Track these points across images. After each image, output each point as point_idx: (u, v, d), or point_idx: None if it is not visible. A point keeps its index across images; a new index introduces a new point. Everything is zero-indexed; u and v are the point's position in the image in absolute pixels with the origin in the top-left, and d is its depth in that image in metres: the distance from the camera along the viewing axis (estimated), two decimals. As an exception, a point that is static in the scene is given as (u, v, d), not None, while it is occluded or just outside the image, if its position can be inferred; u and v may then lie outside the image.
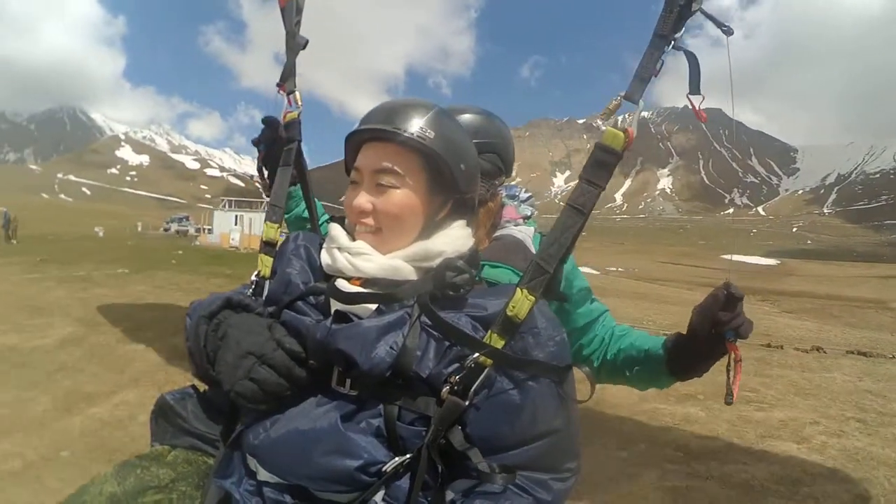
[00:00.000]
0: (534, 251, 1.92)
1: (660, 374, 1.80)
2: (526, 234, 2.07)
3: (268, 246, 1.55)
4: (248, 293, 1.44)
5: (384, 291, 1.22)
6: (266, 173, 2.11)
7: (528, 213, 2.23)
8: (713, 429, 5.49)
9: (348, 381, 1.17)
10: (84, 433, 5.02)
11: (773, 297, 45.81)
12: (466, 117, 1.96)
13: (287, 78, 1.80)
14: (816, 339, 13.38)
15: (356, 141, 1.33)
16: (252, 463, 1.22)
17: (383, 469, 1.11)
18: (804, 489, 4.23)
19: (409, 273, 1.24)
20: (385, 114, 1.27)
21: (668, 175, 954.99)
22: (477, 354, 1.12)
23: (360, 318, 1.19)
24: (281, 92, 1.81)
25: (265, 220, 1.67)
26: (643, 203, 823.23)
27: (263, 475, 1.19)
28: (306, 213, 2.12)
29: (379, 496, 1.12)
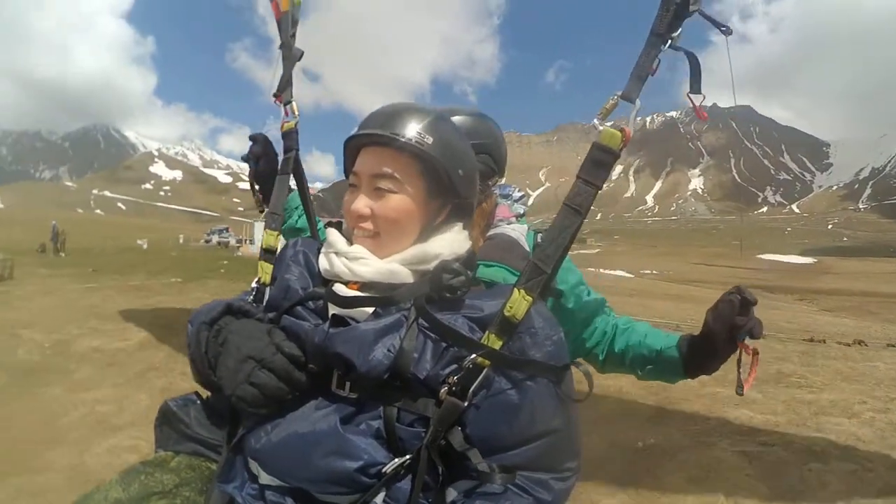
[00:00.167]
0: (527, 249, 2.02)
1: (674, 374, 1.89)
2: (519, 232, 2.09)
3: (267, 253, 1.61)
4: (249, 300, 1.48)
5: (381, 295, 1.24)
6: (258, 188, 2.16)
7: (521, 212, 2.26)
8: (771, 408, 5.79)
9: (348, 384, 1.19)
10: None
11: (811, 295, 45.33)
12: (458, 119, 1.94)
13: (284, 89, 1.86)
14: (856, 334, 13.40)
15: (355, 145, 1.35)
16: (254, 467, 1.24)
17: (383, 470, 1.12)
18: (858, 452, 4.56)
19: (406, 276, 1.26)
20: (383, 119, 1.29)
21: (699, 175, 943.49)
22: (474, 355, 1.14)
23: (357, 321, 1.22)
24: (277, 102, 1.87)
25: (265, 228, 1.72)
26: (675, 204, 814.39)
27: (265, 479, 1.21)
28: (298, 224, 2.26)
29: (379, 498, 1.13)
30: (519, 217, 2.22)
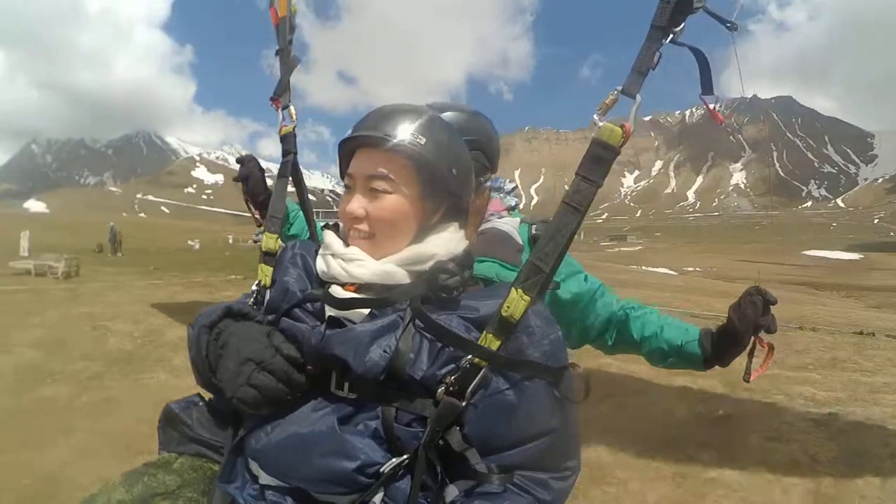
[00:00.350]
0: (520, 241, 2.02)
1: (691, 366, 1.95)
2: (511, 225, 2.08)
3: (267, 256, 1.61)
4: (250, 302, 1.49)
5: (377, 296, 1.24)
6: (252, 206, 2.27)
7: (513, 204, 2.24)
8: (830, 386, 6.29)
9: (346, 385, 1.19)
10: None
11: (857, 292, 44.80)
12: (449, 115, 1.91)
13: (282, 93, 1.88)
14: (905, 329, 13.67)
15: (349, 147, 1.35)
16: (254, 467, 1.25)
17: (381, 470, 1.12)
18: (915, 424, 4.98)
19: (402, 277, 1.26)
20: (377, 120, 1.30)
21: (741, 169, 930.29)
22: (471, 356, 1.14)
23: (354, 323, 1.22)
24: (275, 106, 1.89)
25: (264, 231, 1.73)
26: (717, 200, 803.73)
27: (265, 479, 1.21)
28: (291, 231, 2.31)
29: (378, 497, 1.13)
30: (511, 209, 2.22)
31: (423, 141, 1.25)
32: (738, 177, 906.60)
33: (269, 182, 2.05)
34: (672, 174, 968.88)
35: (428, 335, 1.18)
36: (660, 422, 5.52)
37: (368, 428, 1.15)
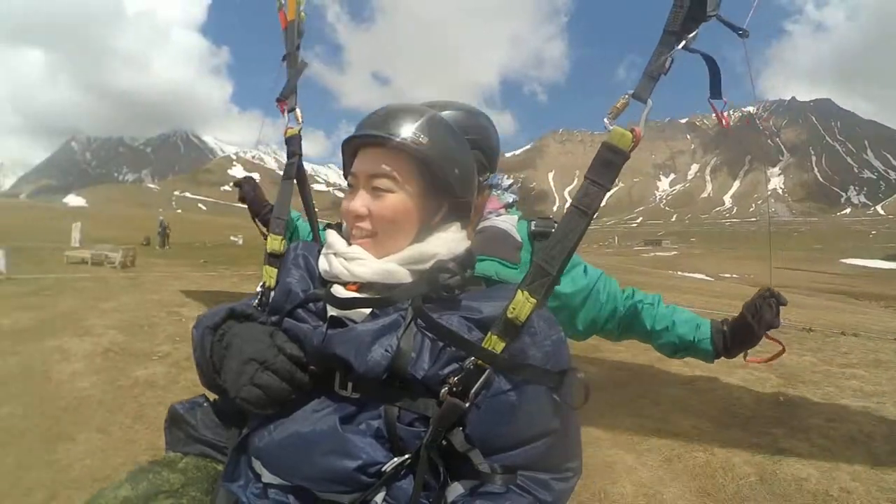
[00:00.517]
0: (518, 238, 2.01)
1: (703, 359, 2.06)
2: (509, 222, 2.06)
3: (272, 257, 1.62)
4: (255, 304, 1.49)
5: (379, 295, 1.24)
6: (259, 222, 2.35)
7: (510, 201, 2.21)
8: (876, 382, 6.98)
9: (350, 385, 1.19)
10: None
11: (897, 303, 44.33)
12: (447, 114, 1.87)
13: (288, 96, 1.90)
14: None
15: (353, 146, 1.35)
16: (257, 466, 1.25)
17: (383, 469, 1.12)
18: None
19: (403, 276, 1.26)
20: (380, 119, 1.30)
21: (780, 174, 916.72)
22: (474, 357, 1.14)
23: (355, 322, 1.22)
24: (280, 107, 1.91)
25: (269, 232, 1.74)
26: (754, 205, 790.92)
27: (267, 477, 1.22)
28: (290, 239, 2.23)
29: (380, 497, 1.13)
30: (509, 207, 2.20)
31: (425, 140, 1.26)
32: (776, 181, 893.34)
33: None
34: (708, 178, 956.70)
35: (429, 335, 1.18)
36: (732, 404, 5.97)
37: (371, 427, 1.15)
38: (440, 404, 1.12)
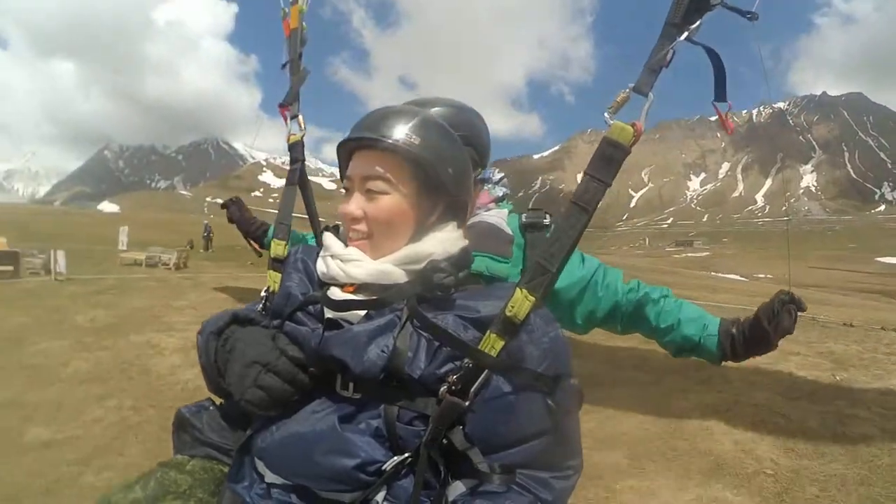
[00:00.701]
0: (509, 231, 1.99)
1: (708, 361, 1.94)
2: (499, 216, 2.04)
3: (276, 262, 1.65)
4: (259, 308, 1.51)
5: (375, 296, 1.24)
6: (251, 239, 2.45)
7: (500, 195, 2.19)
8: None
9: (351, 385, 1.19)
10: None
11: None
12: (436, 111, 1.87)
13: (290, 103, 1.90)
14: None
15: (347, 150, 1.36)
16: (260, 466, 1.25)
17: (383, 468, 1.12)
18: None
19: (399, 276, 1.26)
20: (372, 122, 1.30)
21: (812, 171, 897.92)
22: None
23: (352, 323, 1.23)
24: (283, 113, 1.91)
25: (272, 238, 1.74)
26: (786, 204, 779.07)
27: (270, 477, 1.22)
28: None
29: (381, 496, 1.14)
30: (499, 201, 2.18)
31: (417, 141, 1.26)
32: (809, 179, 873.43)
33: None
34: (740, 177, 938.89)
35: (425, 334, 1.18)
36: (794, 381, 6.52)
37: (370, 427, 1.16)
38: (440, 403, 1.12)
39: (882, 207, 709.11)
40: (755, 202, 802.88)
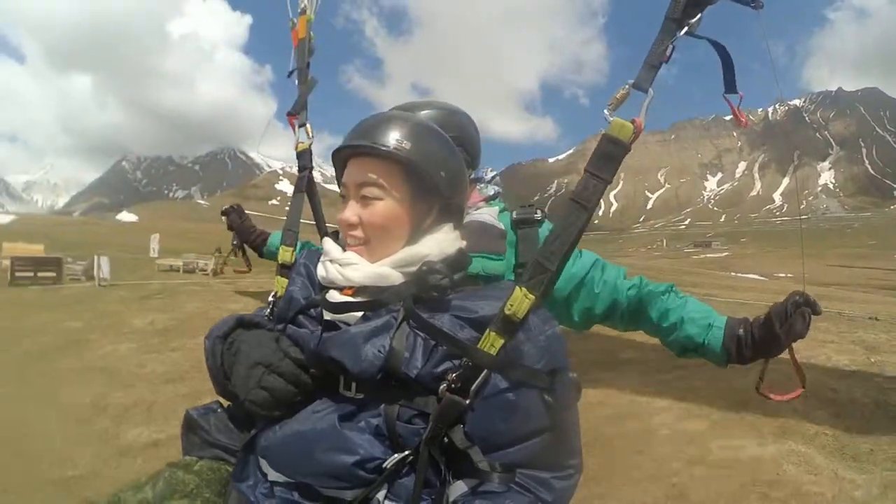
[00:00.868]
0: (501, 226, 1.98)
1: (715, 363, 1.81)
2: (490, 214, 2.03)
3: (283, 268, 1.66)
4: (266, 313, 1.51)
5: (371, 298, 1.25)
6: (250, 247, 2.47)
7: (492, 193, 2.18)
8: None
9: (354, 386, 1.21)
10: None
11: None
12: (425, 114, 1.89)
13: (299, 111, 1.90)
14: None
15: (342, 158, 1.37)
16: (263, 465, 1.26)
17: (383, 466, 1.13)
18: None
19: (396, 279, 1.27)
20: (364, 129, 1.31)
21: (830, 168, 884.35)
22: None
23: (349, 325, 1.24)
24: (292, 122, 1.92)
25: (280, 244, 1.74)
26: (804, 202, 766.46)
27: (273, 475, 1.23)
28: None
29: (381, 494, 1.14)
30: (490, 199, 2.16)
31: (408, 146, 1.27)
32: (827, 176, 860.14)
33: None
34: (757, 176, 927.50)
35: (421, 334, 1.19)
36: (835, 364, 7.57)
37: (370, 425, 1.16)
38: (440, 401, 1.12)
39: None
40: (773, 201, 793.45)
